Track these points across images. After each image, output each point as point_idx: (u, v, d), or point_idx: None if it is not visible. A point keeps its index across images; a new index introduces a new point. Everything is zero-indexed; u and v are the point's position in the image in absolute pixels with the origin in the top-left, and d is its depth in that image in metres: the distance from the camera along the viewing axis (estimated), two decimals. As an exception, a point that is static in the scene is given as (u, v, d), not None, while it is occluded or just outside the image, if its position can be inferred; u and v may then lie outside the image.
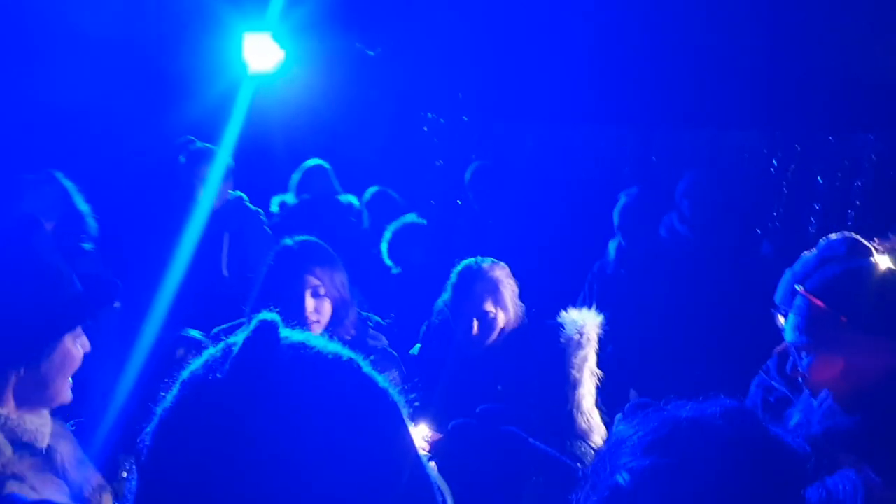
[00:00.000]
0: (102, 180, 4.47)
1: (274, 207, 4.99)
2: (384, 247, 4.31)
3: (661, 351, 4.02)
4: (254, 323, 0.84)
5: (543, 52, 5.65)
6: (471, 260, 3.01)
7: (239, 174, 4.64)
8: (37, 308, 1.49)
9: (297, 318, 2.54)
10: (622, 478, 0.94)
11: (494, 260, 3.01)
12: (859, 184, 5.47)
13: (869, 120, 5.30)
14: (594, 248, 4.74)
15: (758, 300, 3.82)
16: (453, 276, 3.00)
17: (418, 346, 3.30)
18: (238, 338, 0.85)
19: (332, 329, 2.62)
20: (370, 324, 3.17)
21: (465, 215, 5.10)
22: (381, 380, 0.87)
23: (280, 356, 0.82)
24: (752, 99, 5.41)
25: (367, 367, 0.86)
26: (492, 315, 2.88)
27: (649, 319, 4.13)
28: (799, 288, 1.94)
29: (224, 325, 3.07)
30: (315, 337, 0.87)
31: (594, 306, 4.31)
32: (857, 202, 5.33)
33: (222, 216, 4.31)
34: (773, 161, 5.88)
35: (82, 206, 3.89)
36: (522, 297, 3.04)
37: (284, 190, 5.09)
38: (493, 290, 2.90)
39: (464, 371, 2.93)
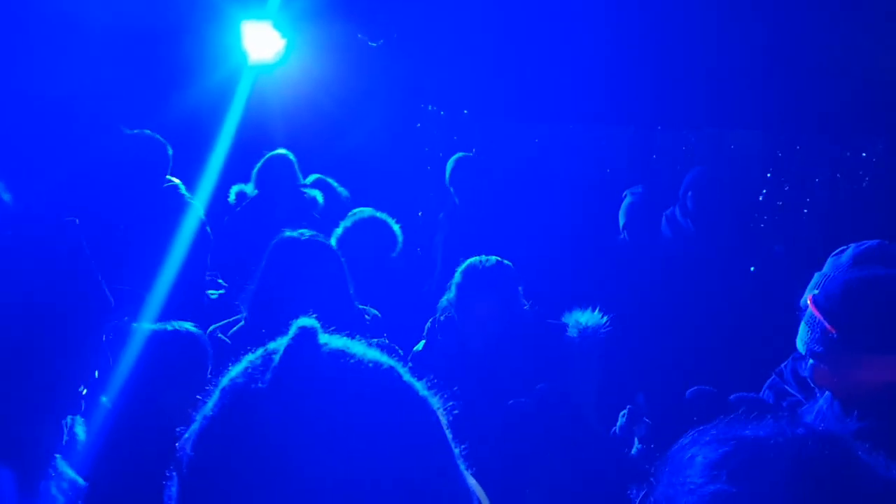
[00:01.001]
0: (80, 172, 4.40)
1: (231, 197, 4.79)
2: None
3: (666, 350, 4.02)
4: (293, 330, 0.83)
5: (544, 49, 5.63)
6: (475, 259, 2.98)
7: (239, 166, 4.58)
8: (73, 315, 1.48)
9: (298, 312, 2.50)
10: (690, 500, 0.86)
11: (499, 258, 2.98)
12: (862, 183, 5.49)
13: (872, 121, 5.32)
14: (596, 246, 4.73)
15: (765, 298, 3.84)
16: (458, 276, 2.96)
17: (423, 342, 3.27)
18: (278, 345, 0.83)
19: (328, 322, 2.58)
20: (367, 318, 3.15)
21: (455, 211, 4.99)
22: (421, 387, 0.86)
23: (321, 364, 0.81)
24: (754, 99, 5.41)
25: (406, 375, 0.86)
26: (497, 315, 2.84)
27: (653, 318, 4.13)
28: (807, 299, 1.93)
29: (220, 323, 3.04)
30: (354, 343, 0.86)
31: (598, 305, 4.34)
32: (860, 202, 5.35)
33: (155, 206, 4.10)
34: (777, 158, 5.90)
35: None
36: (525, 295, 3.01)
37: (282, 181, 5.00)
38: (499, 291, 2.86)
39: (473, 370, 2.88)
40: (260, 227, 4.16)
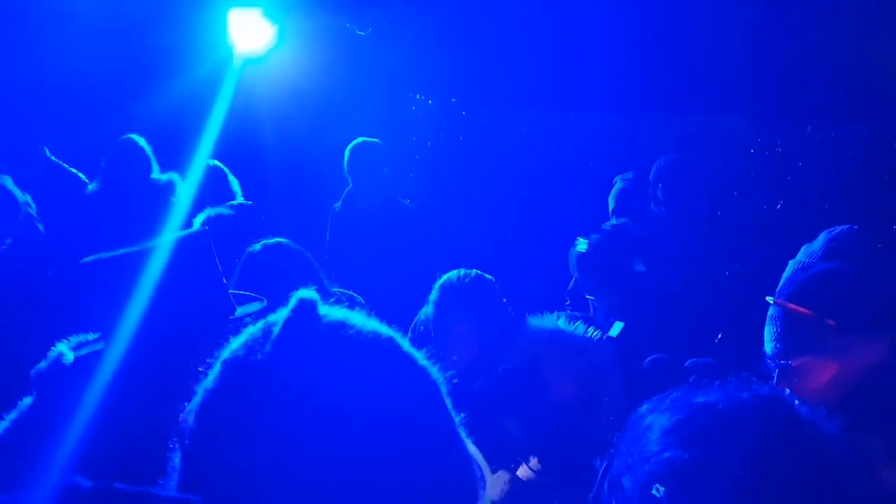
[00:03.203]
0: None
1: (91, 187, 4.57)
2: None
3: (655, 336, 4.01)
4: (293, 301, 0.83)
5: (530, 36, 5.60)
6: (453, 274, 2.83)
7: (226, 162, 4.49)
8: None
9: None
10: (646, 467, 0.88)
11: (479, 272, 2.83)
12: (844, 172, 5.50)
13: (857, 109, 5.32)
14: (583, 233, 4.72)
15: (749, 286, 3.84)
16: (435, 292, 2.83)
17: None
18: (278, 317, 0.83)
19: None
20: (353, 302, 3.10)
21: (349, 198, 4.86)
22: (421, 357, 0.86)
23: (321, 336, 0.81)
24: (739, 85, 5.40)
25: (406, 345, 0.86)
26: (473, 333, 2.72)
27: (643, 304, 4.12)
28: (771, 299, 1.94)
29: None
30: (354, 314, 0.86)
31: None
32: (842, 190, 5.36)
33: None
34: (758, 146, 5.89)
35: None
36: (511, 284, 2.97)
37: (273, 181, 4.94)
38: (476, 308, 2.73)
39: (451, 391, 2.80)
40: (108, 217, 4.06)
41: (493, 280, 2.83)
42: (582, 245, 3.57)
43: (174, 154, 4.48)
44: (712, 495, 0.83)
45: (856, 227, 2.41)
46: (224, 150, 4.64)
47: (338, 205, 4.80)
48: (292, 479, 0.74)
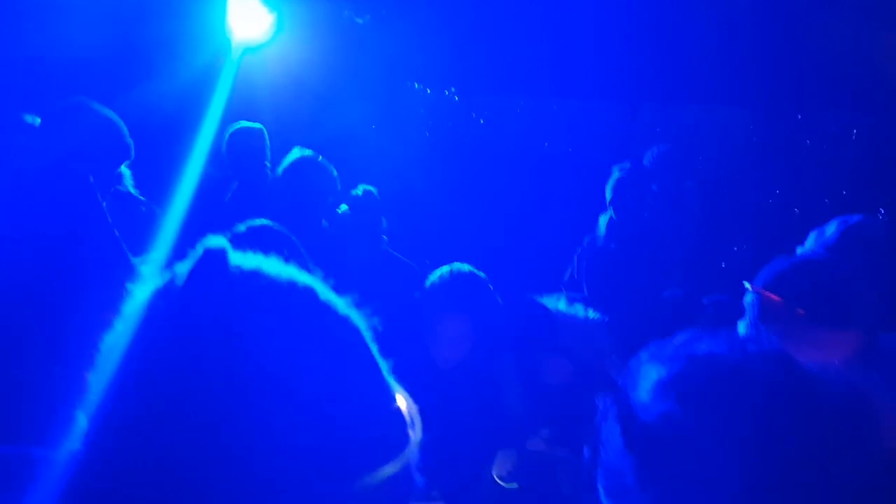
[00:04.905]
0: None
1: None
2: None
3: (651, 327, 4.04)
4: (199, 250, 0.76)
5: (529, 25, 5.59)
6: (445, 269, 2.81)
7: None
8: None
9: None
10: (640, 421, 0.82)
11: (472, 269, 2.79)
12: (842, 163, 5.51)
13: (856, 100, 5.33)
14: (580, 223, 4.75)
15: (744, 277, 3.86)
16: (427, 288, 2.80)
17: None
18: (184, 268, 0.76)
19: None
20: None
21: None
22: (343, 304, 0.80)
23: (230, 287, 0.74)
24: (737, 76, 5.40)
25: (325, 293, 0.80)
26: (465, 330, 2.69)
27: (638, 294, 4.15)
28: (749, 285, 1.95)
29: None
30: (268, 261, 0.79)
31: (583, 281, 4.37)
32: (840, 182, 5.37)
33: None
34: (755, 137, 5.90)
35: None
36: (505, 276, 2.96)
37: (272, 169, 4.93)
38: (467, 304, 2.70)
39: (440, 391, 2.73)
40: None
41: (485, 276, 2.79)
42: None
43: (174, 143, 4.47)
44: (709, 453, 0.78)
45: (870, 216, 2.40)
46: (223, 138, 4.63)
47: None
48: (202, 432, 0.69)
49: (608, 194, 4.54)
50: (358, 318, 0.80)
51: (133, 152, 3.44)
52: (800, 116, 5.71)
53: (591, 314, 2.86)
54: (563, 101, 6.40)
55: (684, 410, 0.80)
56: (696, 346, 0.86)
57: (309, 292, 0.78)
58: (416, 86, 6.44)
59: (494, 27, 5.71)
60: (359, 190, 4.12)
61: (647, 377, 0.85)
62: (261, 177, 4.46)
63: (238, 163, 4.42)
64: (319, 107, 5.87)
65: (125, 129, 3.42)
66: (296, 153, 4.22)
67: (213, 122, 4.62)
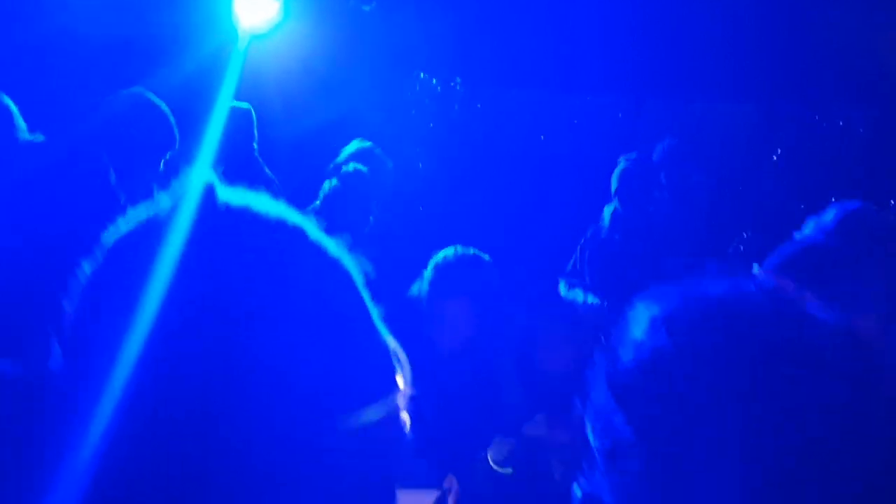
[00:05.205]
0: None
1: None
2: None
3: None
4: (188, 183, 0.74)
5: (537, 15, 5.58)
6: (449, 251, 2.75)
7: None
8: None
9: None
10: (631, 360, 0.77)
11: (477, 252, 2.75)
12: (848, 156, 5.50)
13: (861, 94, 5.32)
14: (584, 214, 4.76)
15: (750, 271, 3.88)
16: (430, 270, 2.74)
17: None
18: (169, 200, 0.74)
19: None
20: None
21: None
22: (333, 246, 0.78)
23: (218, 222, 0.72)
24: (745, 69, 5.40)
25: (315, 233, 0.77)
26: (469, 313, 2.66)
27: (642, 285, 4.17)
28: (757, 268, 1.95)
29: None
30: (258, 198, 0.76)
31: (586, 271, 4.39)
32: (845, 175, 5.37)
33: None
34: (762, 132, 5.89)
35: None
36: (511, 264, 2.95)
37: (281, 155, 4.94)
38: (471, 287, 2.66)
39: (442, 375, 2.71)
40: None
41: (489, 259, 2.76)
42: None
43: (183, 132, 4.48)
44: (702, 390, 0.72)
45: (868, 204, 2.38)
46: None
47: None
48: (181, 368, 0.67)
49: (613, 184, 4.55)
50: (349, 261, 0.78)
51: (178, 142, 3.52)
52: (808, 111, 5.71)
53: (591, 299, 2.87)
54: (569, 92, 6.40)
55: (676, 346, 0.74)
56: (694, 286, 0.81)
57: (298, 231, 0.76)
58: (422, 75, 6.43)
59: (501, 17, 5.71)
60: (349, 167, 4.10)
61: (641, 316, 0.80)
62: (248, 157, 4.48)
63: (224, 143, 4.43)
64: (326, 94, 5.88)
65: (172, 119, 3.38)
66: (355, 144, 4.24)
67: (222, 110, 4.62)
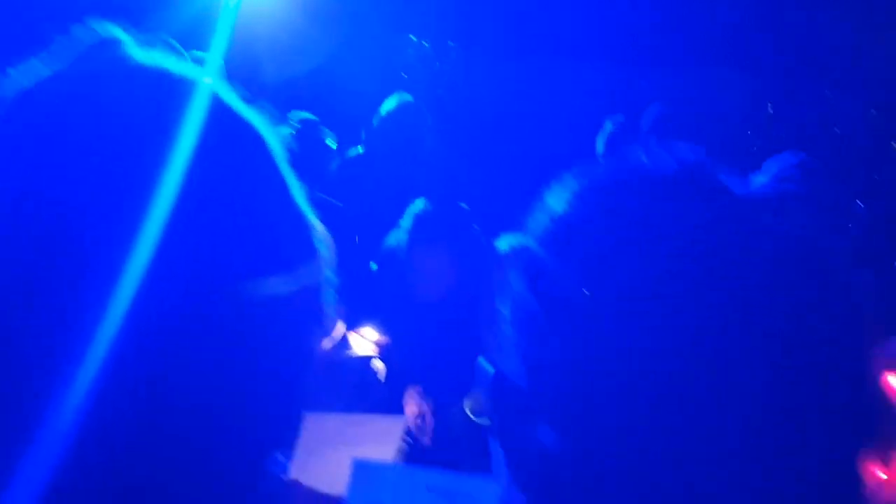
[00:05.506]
0: None
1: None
2: None
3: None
4: (94, 39, 0.69)
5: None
6: (427, 201, 2.72)
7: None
8: None
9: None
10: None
11: (457, 202, 2.73)
12: (840, 127, 5.50)
13: (856, 67, 5.31)
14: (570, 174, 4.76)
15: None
16: (408, 220, 2.71)
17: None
18: (72, 54, 0.69)
19: None
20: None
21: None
22: (256, 117, 0.71)
23: (120, 74, 0.67)
24: (739, 39, 5.38)
25: (229, 97, 0.71)
26: (449, 264, 2.63)
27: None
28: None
29: None
30: (167, 57, 0.71)
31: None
32: (837, 146, 5.38)
33: None
34: (754, 102, 5.89)
35: None
36: (493, 220, 2.96)
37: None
38: (452, 238, 2.63)
39: (420, 327, 2.71)
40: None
41: (468, 208, 2.74)
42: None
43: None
44: (620, 251, 0.64)
45: (803, 154, 2.27)
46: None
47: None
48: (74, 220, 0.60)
49: (599, 147, 4.55)
50: (271, 135, 0.71)
51: None
52: (800, 91, 5.69)
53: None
54: (563, 58, 6.39)
55: (602, 215, 0.67)
56: (625, 161, 0.74)
57: (213, 95, 0.69)
58: (414, 39, 6.42)
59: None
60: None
61: (565, 188, 0.72)
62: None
63: None
64: (319, 57, 5.87)
65: None
66: (395, 99, 4.34)
67: (211, 71, 4.61)
